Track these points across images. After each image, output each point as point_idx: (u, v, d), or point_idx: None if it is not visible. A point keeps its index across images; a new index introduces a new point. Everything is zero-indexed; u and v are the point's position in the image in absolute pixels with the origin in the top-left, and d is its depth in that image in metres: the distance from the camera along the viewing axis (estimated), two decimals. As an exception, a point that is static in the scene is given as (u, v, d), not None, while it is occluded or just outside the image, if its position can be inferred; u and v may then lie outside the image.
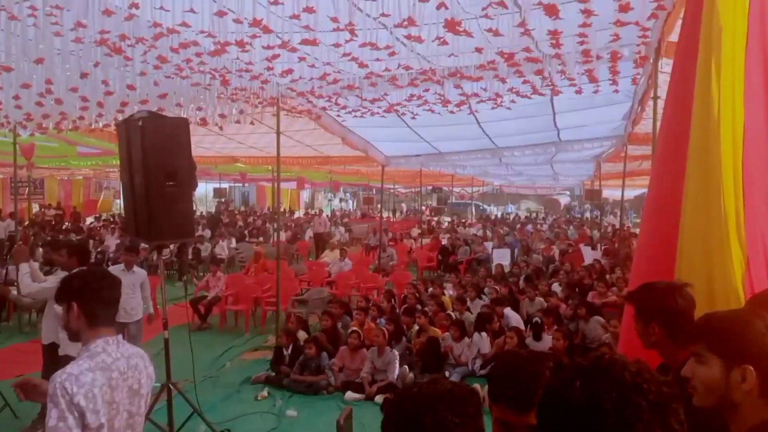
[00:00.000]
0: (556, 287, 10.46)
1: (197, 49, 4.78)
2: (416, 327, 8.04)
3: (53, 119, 7.65)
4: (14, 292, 8.21)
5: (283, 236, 16.98)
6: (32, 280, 5.32)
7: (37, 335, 8.27)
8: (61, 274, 5.25)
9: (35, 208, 23.56)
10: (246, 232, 21.28)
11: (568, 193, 42.12)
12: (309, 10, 3.44)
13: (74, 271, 3.65)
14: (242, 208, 35.03)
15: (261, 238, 20.32)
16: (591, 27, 4.46)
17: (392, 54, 4.62)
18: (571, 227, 25.63)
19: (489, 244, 16.90)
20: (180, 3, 3.92)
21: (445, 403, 1.36)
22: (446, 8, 3.94)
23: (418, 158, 13.29)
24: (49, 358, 5.49)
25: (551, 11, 3.98)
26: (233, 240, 18.01)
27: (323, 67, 5.58)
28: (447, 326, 7.92)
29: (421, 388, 1.42)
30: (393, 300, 9.45)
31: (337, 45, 4.38)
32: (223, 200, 29.92)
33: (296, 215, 31.71)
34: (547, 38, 4.85)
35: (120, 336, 2.34)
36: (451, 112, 7.53)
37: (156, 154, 4.46)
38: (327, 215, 27.34)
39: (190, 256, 15.09)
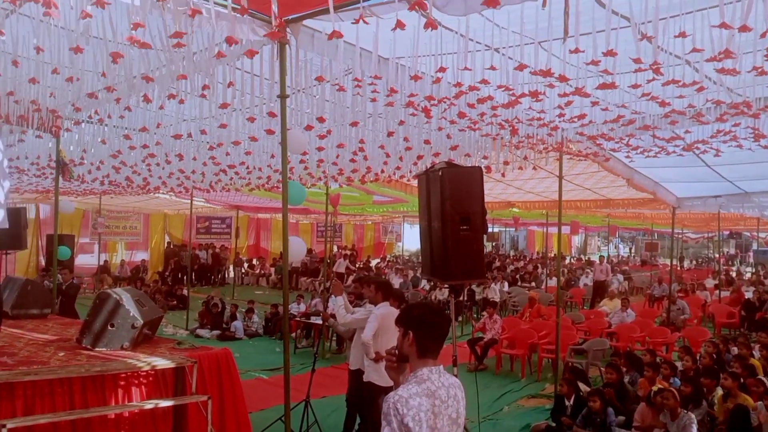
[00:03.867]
0: None
1: (492, 102, 5.09)
2: (720, 391, 7.02)
3: (359, 173, 8.83)
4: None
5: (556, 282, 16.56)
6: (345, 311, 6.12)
7: (337, 362, 9.43)
8: (369, 307, 5.94)
9: (334, 249, 27.16)
10: (518, 276, 21.30)
11: None
12: (610, 53, 3.40)
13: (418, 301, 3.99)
14: (512, 253, 35.25)
15: (533, 283, 20.12)
16: None
17: (700, 90, 4.28)
18: None
19: (810, 301, 14.24)
20: (480, 61, 4.24)
21: None
22: (770, 34, 3.52)
23: (717, 200, 11.79)
24: (354, 383, 6.01)
25: None
26: (506, 284, 18.18)
27: (617, 110, 5.42)
28: (759, 394, 6.76)
29: None
30: (690, 359, 8.43)
31: (635, 86, 4.23)
32: (494, 244, 30.59)
33: (567, 261, 30.68)
34: None
35: (442, 366, 2.48)
36: (766, 147, 6.57)
37: (452, 201, 4.81)
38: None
39: (465, 298, 15.66)
